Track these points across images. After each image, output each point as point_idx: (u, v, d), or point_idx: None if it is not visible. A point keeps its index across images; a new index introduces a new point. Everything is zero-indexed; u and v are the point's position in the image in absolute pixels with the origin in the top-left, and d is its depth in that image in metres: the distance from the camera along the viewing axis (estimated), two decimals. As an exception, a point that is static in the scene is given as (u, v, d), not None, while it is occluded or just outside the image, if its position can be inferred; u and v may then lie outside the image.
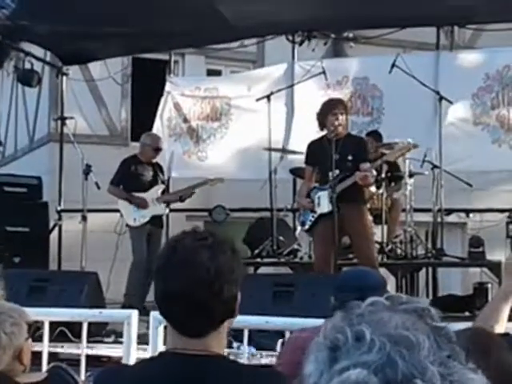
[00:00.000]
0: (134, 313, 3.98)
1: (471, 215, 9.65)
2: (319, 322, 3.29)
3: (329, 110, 6.60)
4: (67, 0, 7.55)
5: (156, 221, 7.94)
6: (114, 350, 5.29)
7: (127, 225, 7.86)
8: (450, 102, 8.20)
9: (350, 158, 6.52)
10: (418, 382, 0.94)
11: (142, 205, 7.81)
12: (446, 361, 0.98)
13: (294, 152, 8.54)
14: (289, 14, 8.15)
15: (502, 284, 2.56)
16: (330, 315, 3.16)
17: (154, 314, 3.83)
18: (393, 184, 8.24)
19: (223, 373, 1.86)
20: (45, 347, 4.09)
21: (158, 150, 8.08)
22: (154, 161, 8.13)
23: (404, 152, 7.22)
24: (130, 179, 7.91)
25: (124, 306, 7.32)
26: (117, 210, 7.98)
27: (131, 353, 3.91)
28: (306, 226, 6.81)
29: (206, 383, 1.84)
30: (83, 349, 4.08)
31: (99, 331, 5.98)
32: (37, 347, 3.82)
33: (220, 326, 1.87)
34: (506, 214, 8.63)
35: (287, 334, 3.73)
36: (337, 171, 6.46)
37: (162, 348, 3.70)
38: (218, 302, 1.82)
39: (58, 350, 4.85)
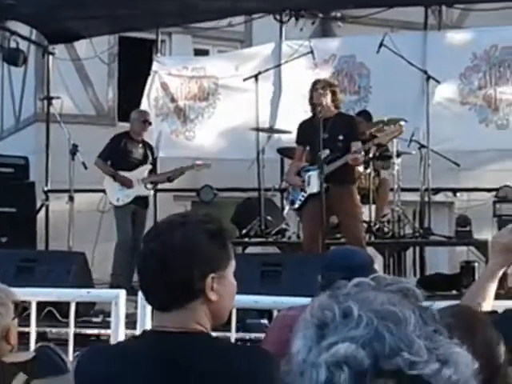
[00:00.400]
0: (122, 292, 3.98)
1: (458, 194, 9.68)
2: (307, 300, 3.30)
3: (312, 88, 6.65)
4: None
5: (140, 201, 7.93)
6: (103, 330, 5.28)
7: (111, 203, 7.85)
8: (438, 82, 8.21)
9: (340, 137, 6.53)
10: (404, 355, 0.95)
11: (126, 184, 7.80)
12: (431, 335, 0.99)
13: (281, 131, 8.53)
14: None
15: (489, 262, 2.57)
16: (318, 294, 3.18)
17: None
18: (380, 161, 8.23)
19: (201, 349, 1.88)
20: (32, 327, 4.09)
21: (145, 121, 8.09)
22: (144, 139, 8.12)
23: (396, 135, 7.23)
24: (119, 155, 7.89)
25: (111, 286, 7.32)
26: (104, 190, 7.97)
27: (119, 332, 3.91)
28: (296, 205, 6.83)
29: (183, 360, 1.87)
30: (71, 328, 4.07)
31: (87, 311, 5.98)
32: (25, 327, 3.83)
33: (188, 303, 1.88)
34: (493, 193, 8.67)
35: (275, 313, 3.74)
36: (327, 151, 6.46)
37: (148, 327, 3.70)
38: (167, 277, 1.86)
39: (46, 329, 4.82)
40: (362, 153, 6.80)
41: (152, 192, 8.16)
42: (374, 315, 0.98)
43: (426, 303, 1.04)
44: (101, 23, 8.91)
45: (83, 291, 4.33)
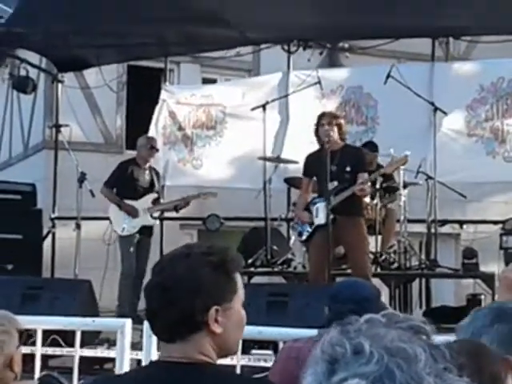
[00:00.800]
0: (128, 322, 3.97)
1: (465, 226, 9.65)
2: (313, 332, 3.29)
3: (318, 122, 6.69)
4: (64, 7, 7.54)
5: (145, 230, 7.89)
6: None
7: (116, 232, 7.80)
8: (445, 113, 8.23)
9: (348, 169, 6.57)
10: None
11: (132, 214, 7.76)
12: (441, 373, 0.99)
13: (288, 161, 8.55)
14: (287, 23, 8.17)
15: (497, 297, 2.57)
16: (324, 326, 3.16)
17: (148, 324, 3.82)
18: (387, 195, 8.24)
19: (205, 380, 1.88)
20: (37, 355, 4.07)
21: (152, 148, 8.05)
22: (151, 165, 8.09)
23: (400, 164, 7.25)
24: (125, 183, 7.85)
25: (118, 316, 7.28)
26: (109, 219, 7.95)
27: (124, 361, 3.89)
28: (304, 237, 6.85)
29: None
30: (76, 356, 4.06)
31: (92, 340, 5.96)
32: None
33: (191, 335, 1.89)
34: (500, 225, 8.64)
35: (281, 345, 3.72)
36: (335, 183, 6.50)
37: (155, 357, 3.69)
38: (170, 308, 1.87)
39: (50, 352, 4.80)
40: (369, 183, 6.82)
41: (157, 221, 8.15)
42: (384, 352, 0.98)
43: (437, 340, 1.05)
44: (109, 52, 8.98)
45: (89, 320, 4.32)
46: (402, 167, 7.69)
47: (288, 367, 3.02)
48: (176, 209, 7.99)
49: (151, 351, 3.79)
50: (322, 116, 6.81)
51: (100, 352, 5.35)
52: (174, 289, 1.87)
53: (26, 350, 3.21)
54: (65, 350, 5.08)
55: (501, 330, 1.91)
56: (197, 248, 1.97)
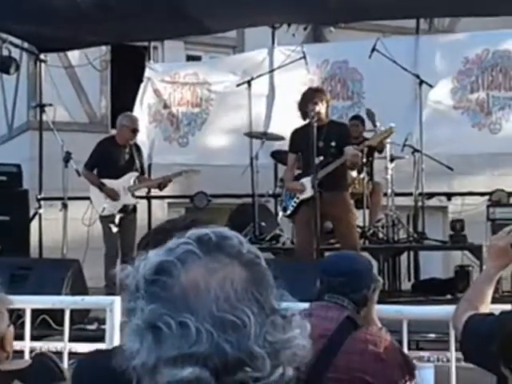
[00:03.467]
0: (117, 299, 3.96)
1: (452, 199, 9.69)
2: (305, 305, 3.29)
3: (309, 100, 6.64)
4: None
5: (127, 209, 7.72)
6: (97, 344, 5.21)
7: (99, 214, 7.70)
8: (430, 86, 8.23)
9: (333, 144, 6.55)
10: (247, 370, 0.95)
11: (112, 196, 7.63)
12: (270, 329, 0.97)
13: (274, 137, 8.53)
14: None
15: (486, 266, 2.57)
16: (315, 299, 3.15)
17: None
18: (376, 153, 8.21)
19: None
20: (27, 334, 4.06)
21: (135, 131, 7.85)
22: (132, 142, 7.89)
23: (386, 136, 7.23)
24: (104, 163, 7.66)
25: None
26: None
27: (114, 339, 3.89)
28: (288, 212, 6.83)
29: None
30: (65, 336, 4.05)
31: (81, 318, 5.95)
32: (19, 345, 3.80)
33: None
34: (487, 197, 8.68)
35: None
36: (321, 158, 6.48)
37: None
38: None
39: (40, 344, 4.77)
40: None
41: (138, 200, 7.99)
42: (212, 327, 0.95)
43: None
44: (91, 37, 8.87)
45: (78, 298, 4.30)
46: (389, 140, 7.70)
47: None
48: (159, 187, 7.87)
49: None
50: (311, 92, 6.76)
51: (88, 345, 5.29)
52: None
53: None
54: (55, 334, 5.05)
55: None
56: (181, 223, 1.94)
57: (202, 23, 8.21)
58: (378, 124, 7.81)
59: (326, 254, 7.23)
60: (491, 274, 2.48)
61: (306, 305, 3.41)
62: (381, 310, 3.25)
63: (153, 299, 0.99)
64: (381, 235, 8.02)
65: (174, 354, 0.95)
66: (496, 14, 8.17)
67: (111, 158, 7.69)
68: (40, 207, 9.06)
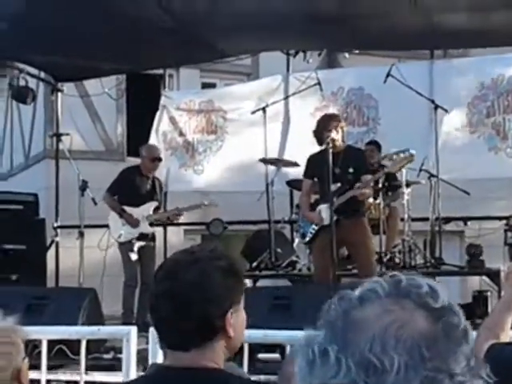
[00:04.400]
0: (133, 329, 3.94)
1: (469, 223, 9.62)
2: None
3: (324, 127, 6.63)
4: (59, 31, 7.54)
5: (145, 237, 7.80)
6: (113, 377, 5.21)
7: (115, 240, 7.74)
8: (446, 111, 8.21)
9: (351, 170, 6.55)
10: None
11: (132, 223, 7.68)
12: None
13: (289, 163, 8.54)
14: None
15: (504, 293, 2.54)
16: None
17: (154, 330, 3.80)
18: (390, 193, 8.23)
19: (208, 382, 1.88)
20: (43, 365, 4.05)
21: (155, 159, 7.94)
22: (154, 175, 8.00)
23: (405, 163, 7.24)
24: (126, 190, 7.76)
25: (123, 324, 7.25)
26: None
27: (131, 370, 3.87)
28: (307, 239, 6.83)
29: None
30: (82, 366, 4.04)
31: (97, 348, 5.93)
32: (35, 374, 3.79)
33: (209, 341, 1.87)
34: (504, 221, 8.62)
35: (288, 348, 3.70)
36: (338, 184, 6.48)
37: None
38: (185, 316, 1.84)
39: (57, 377, 4.77)
40: (371, 184, 6.80)
41: (155, 230, 8.05)
42: (352, 362, 0.94)
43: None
44: (108, 67, 8.95)
45: (94, 328, 4.30)
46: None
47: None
48: (170, 220, 7.93)
49: (157, 358, 3.77)
50: (327, 119, 6.77)
51: (109, 375, 5.28)
52: (187, 296, 1.84)
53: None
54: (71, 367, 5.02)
55: None
56: (200, 252, 1.94)
57: (216, 47, 8.25)
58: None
59: (343, 280, 7.22)
60: (510, 300, 2.45)
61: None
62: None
63: (322, 325, 1.01)
64: (398, 260, 7.97)
65: (318, 383, 0.96)
66: None
67: (133, 186, 7.78)
68: (57, 235, 9.08)
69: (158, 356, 3.77)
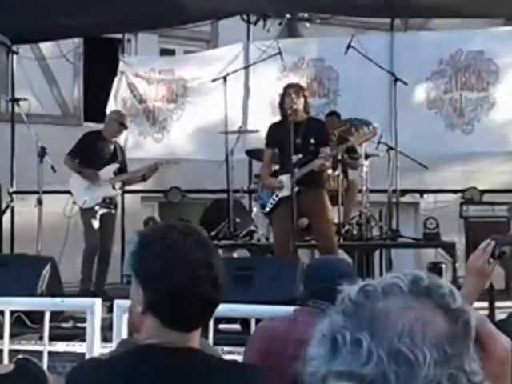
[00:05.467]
0: (98, 301, 3.93)
1: (425, 196, 9.76)
2: (287, 309, 3.31)
3: (284, 93, 6.66)
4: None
5: (109, 203, 7.72)
6: (76, 347, 5.20)
7: (76, 204, 7.64)
8: (405, 84, 8.25)
9: (312, 141, 6.57)
10: None
11: (92, 179, 7.57)
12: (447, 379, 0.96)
13: (249, 131, 8.54)
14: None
15: (465, 285, 2.59)
16: (299, 303, 3.16)
17: (118, 303, 3.80)
18: (348, 162, 8.24)
19: (208, 366, 1.90)
20: (6, 337, 4.02)
21: (122, 124, 7.88)
22: (116, 140, 7.95)
23: (369, 137, 7.28)
24: (87, 154, 7.64)
25: (82, 292, 7.21)
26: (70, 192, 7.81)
27: (95, 342, 3.87)
28: (267, 209, 6.85)
29: (192, 377, 1.87)
30: (45, 340, 4.02)
31: (56, 317, 5.91)
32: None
33: (204, 324, 1.98)
34: (459, 194, 8.76)
35: (253, 322, 3.73)
36: (300, 155, 6.49)
37: (124, 337, 3.67)
38: (220, 296, 1.89)
39: (19, 347, 4.73)
40: (330, 158, 6.86)
41: (119, 192, 8.03)
42: (384, 353, 0.94)
43: None
44: (66, 28, 8.77)
45: (57, 300, 4.27)
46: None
47: (263, 347, 3.03)
48: (144, 178, 7.84)
49: (122, 331, 3.78)
50: (288, 86, 6.79)
51: (71, 345, 5.28)
52: (221, 278, 1.87)
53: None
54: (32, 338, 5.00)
55: None
56: (195, 233, 1.96)
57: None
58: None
59: (300, 250, 7.28)
60: (471, 292, 2.51)
61: (288, 309, 3.44)
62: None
63: (342, 312, 1.00)
64: (355, 232, 8.06)
65: (343, 370, 0.95)
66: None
67: (95, 150, 7.70)
68: (12, 201, 8.95)
69: (122, 328, 3.78)
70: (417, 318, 0.98)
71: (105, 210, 7.62)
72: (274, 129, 6.82)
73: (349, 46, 8.25)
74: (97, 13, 8.23)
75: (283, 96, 6.66)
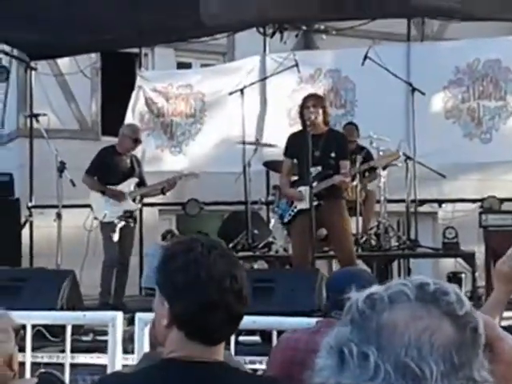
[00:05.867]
0: (119, 315, 3.94)
1: (443, 205, 9.72)
2: (309, 321, 3.31)
3: (302, 105, 6.65)
4: (35, 7, 7.44)
5: (128, 217, 7.74)
6: (97, 359, 5.20)
7: (97, 219, 7.67)
8: (423, 94, 8.23)
9: (332, 155, 6.55)
10: None
11: (118, 197, 7.60)
12: None
13: (267, 145, 8.55)
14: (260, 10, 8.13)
15: (494, 291, 2.57)
16: (322, 315, 3.15)
17: (140, 316, 3.81)
18: (366, 173, 8.25)
19: (233, 380, 1.91)
20: (28, 351, 4.04)
21: (136, 141, 7.87)
22: (132, 153, 7.94)
23: (392, 159, 7.30)
24: (105, 170, 7.69)
25: (101, 305, 7.23)
26: (90, 206, 7.85)
27: (116, 355, 3.88)
28: (285, 220, 6.84)
29: None
30: (67, 353, 4.03)
31: (77, 330, 5.92)
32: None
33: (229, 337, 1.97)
34: (478, 204, 8.72)
35: (274, 333, 3.73)
36: (319, 168, 6.48)
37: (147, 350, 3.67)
38: (244, 308, 1.90)
39: (40, 360, 4.76)
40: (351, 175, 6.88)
41: (139, 205, 8.05)
42: (391, 368, 0.94)
43: None
44: (83, 43, 8.85)
45: (79, 314, 4.29)
46: (382, 147, 7.74)
47: (286, 358, 3.03)
48: (163, 191, 7.87)
49: (144, 343, 3.78)
50: (307, 98, 6.77)
51: (92, 358, 5.28)
52: (245, 290, 1.88)
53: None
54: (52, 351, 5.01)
55: None
56: (218, 244, 1.98)
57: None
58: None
59: (318, 262, 7.26)
60: (500, 299, 2.48)
61: (308, 320, 3.44)
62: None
63: (349, 323, 0.99)
64: (374, 243, 8.04)
65: (351, 383, 0.95)
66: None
67: (112, 166, 7.72)
68: (31, 215, 9.01)
69: (144, 341, 3.78)
70: (424, 327, 0.97)
71: (124, 224, 7.64)
72: (293, 139, 6.80)
73: (366, 56, 8.25)
74: (113, 28, 8.30)
75: (302, 108, 6.64)
